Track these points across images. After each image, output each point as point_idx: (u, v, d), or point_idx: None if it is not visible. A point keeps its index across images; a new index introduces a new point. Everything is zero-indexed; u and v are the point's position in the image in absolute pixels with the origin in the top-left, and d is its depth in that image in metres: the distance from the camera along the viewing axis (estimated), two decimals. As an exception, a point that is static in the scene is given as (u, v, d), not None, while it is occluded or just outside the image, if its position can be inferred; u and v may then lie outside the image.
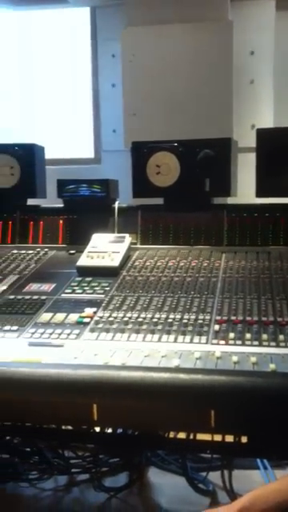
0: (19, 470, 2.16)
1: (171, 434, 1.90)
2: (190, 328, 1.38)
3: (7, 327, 1.42)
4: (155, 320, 1.44)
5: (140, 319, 1.44)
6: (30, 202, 2.19)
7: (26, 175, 2.10)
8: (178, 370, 1.18)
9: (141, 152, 2.02)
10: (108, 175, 2.14)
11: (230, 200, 2.13)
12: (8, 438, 2.22)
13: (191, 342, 1.32)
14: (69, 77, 3.51)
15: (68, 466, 2.14)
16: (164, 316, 1.46)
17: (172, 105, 3.04)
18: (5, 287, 1.69)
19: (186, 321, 1.42)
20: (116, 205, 2.07)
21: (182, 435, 1.87)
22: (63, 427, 1.99)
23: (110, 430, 1.94)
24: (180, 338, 1.34)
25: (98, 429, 1.90)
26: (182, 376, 1.14)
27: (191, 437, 1.81)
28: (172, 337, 1.35)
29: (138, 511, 2.00)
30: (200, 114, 3.00)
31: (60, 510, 2.01)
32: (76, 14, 3.45)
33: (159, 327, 1.40)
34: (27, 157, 2.10)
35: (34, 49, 3.54)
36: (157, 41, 3.05)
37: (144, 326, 1.40)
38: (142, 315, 1.47)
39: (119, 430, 1.95)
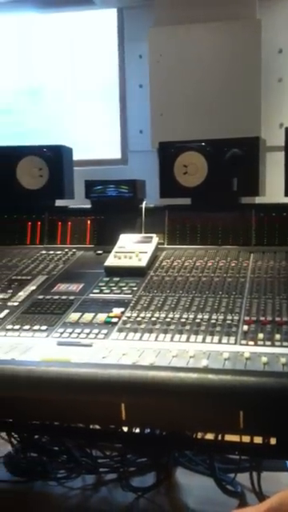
0: (48, 469, 2.18)
1: (199, 435, 1.89)
2: (218, 328, 1.38)
3: (36, 327, 1.44)
4: (183, 320, 1.43)
5: (168, 319, 1.44)
6: (58, 202, 2.21)
7: (54, 176, 2.12)
8: (206, 370, 1.17)
9: (168, 152, 2.02)
10: (135, 176, 2.14)
11: (258, 199, 2.11)
12: (36, 436, 2.24)
13: (219, 342, 1.31)
14: (96, 78, 3.52)
15: (96, 466, 2.16)
16: (192, 316, 1.45)
17: (199, 104, 3.03)
18: (34, 287, 1.71)
19: (214, 321, 1.42)
20: (143, 205, 2.07)
21: (210, 436, 1.86)
22: (91, 426, 2.01)
23: (137, 430, 1.95)
24: (208, 338, 1.33)
25: (125, 428, 1.91)
26: (211, 376, 1.13)
27: (219, 438, 1.80)
28: (200, 337, 1.34)
29: (165, 511, 2.00)
30: (228, 114, 2.98)
31: (88, 509, 2.02)
32: (103, 15, 3.47)
33: (187, 327, 1.39)
34: (55, 158, 2.12)
35: (62, 51, 3.57)
36: (184, 40, 3.04)
37: (172, 326, 1.40)
38: (170, 315, 1.46)
39: (147, 430, 1.96)
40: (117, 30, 3.43)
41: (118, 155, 3.52)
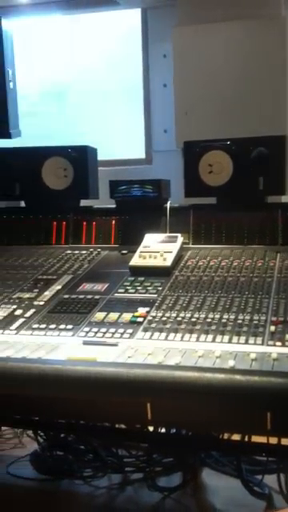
0: (74, 468, 2.19)
1: (225, 436, 1.88)
2: (244, 329, 1.36)
3: (62, 326, 1.44)
4: (209, 320, 1.42)
5: (193, 319, 1.43)
6: (83, 202, 2.22)
7: (79, 177, 2.12)
8: (233, 371, 1.16)
9: (193, 151, 2.01)
10: (159, 176, 2.14)
11: (285, 198, 2.08)
12: (63, 435, 2.26)
13: (246, 342, 1.30)
14: (120, 78, 3.53)
15: (122, 465, 2.16)
16: (218, 316, 1.44)
17: (224, 103, 3.01)
18: (59, 287, 1.72)
19: (240, 321, 1.40)
20: (168, 205, 2.07)
21: (236, 437, 1.85)
22: (117, 426, 2.01)
23: (163, 430, 1.95)
24: (235, 338, 1.32)
25: (151, 428, 1.91)
26: (238, 377, 1.12)
27: (246, 439, 1.79)
28: (226, 337, 1.33)
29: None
30: (253, 112, 2.96)
31: (114, 508, 2.03)
32: (127, 15, 3.47)
33: (213, 327, 1.38)
34: (80, 158, 2.13)
35: (86, 52, 3.59)
36: (208, 39, 3.02)
37: (198, 326, 1.39)
38: (196, 315, 1.46)
39: (173, 430, 1.95)
40: (141, 30, 3.43)
41: (142, 155, 3.52)
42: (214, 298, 1.55)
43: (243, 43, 3.01)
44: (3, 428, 2.58)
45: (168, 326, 1.41)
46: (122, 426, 2.06)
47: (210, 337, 1.34)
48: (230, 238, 1.97)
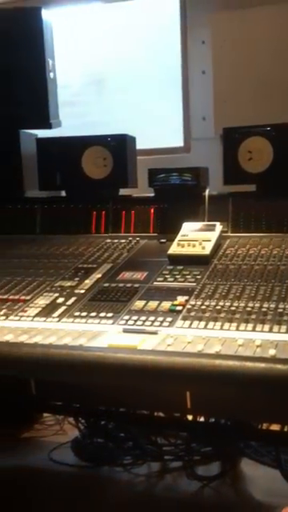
0: (114, 455, 2.22)
1: (265, 426, 1.87)
2: (285, 318, 1.34)
3: (102, 314, 1.46)
4: (249, 309, 1.41)
5: (233, 308, 1.42)
6: (122, 191, 2.22)
7: (118, 166, 2.13)
8: (274, 360, 1.14)
9: (232, 138, 1.98)
10: (197, 163, 2.12)
11: None
12: (103, 422, 2.29)
13: (287, 332, 1.28)
14: (158, 66, 3.51)
15: (161, 453, 2.18)
16: (258, 305, 1.42)
17: (264, 90, 2.95)
18: (99, 275, 1.73)
19: (281, 310, 1.38)
20: (206, 193, 2.05)
21: (276, 427, 1.83)
22: (156, 414, 2.03)
23: (202, 419, 1.95)
24: (275, 327, 1.30)
25: (190, 417, 1.91)
26: (280, 366, 1.11)
27: (286, 429, 1.77)
28: (267, 326, 1.31)
29: (230, 502, 1.99)
30: (293, 98, 2.90)
31: (154, 496, 2.05)
32: (165, 1, 3.44)
33: (253, 316, 1.37)
34: (120, 147, 2.13)
35: (125, 39, 3.57)
36: (248, 24, 2.96)
37: (237, 315, 1.38)
38: (235, 304, 1.44)
39: (212, 419, 1.95)
40: (179, 17, 3.39)
41: (180, 143, 3.49)
42: (254, 287, 1.53)
43: (283, 27, 2.94)
44: (45, 415, 2.64)
45: (207, 314, 1.40)
46: (161, 415, 2.08)
47: (250, 326, 1.32)
48: (269, 226, 1.94)
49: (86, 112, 3.67)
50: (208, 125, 3.19)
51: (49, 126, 2.27)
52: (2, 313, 1.52)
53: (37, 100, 2.23)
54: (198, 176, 2.03)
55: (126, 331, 1.36)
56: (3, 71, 2.23)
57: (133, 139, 2.23)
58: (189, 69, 3.39)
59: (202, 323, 1.36)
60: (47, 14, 2.22)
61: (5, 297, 1.62)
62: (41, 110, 2.23)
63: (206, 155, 2.70)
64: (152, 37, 3.52)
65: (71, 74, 3.59)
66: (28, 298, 1.61)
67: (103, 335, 1.34)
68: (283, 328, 1.30)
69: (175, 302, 1.48)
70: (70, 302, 1.55)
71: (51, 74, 2.26)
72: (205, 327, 1.34)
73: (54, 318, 1.47)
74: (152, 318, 1.41)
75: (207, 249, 1.78)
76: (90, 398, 1.88)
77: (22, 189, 2.30)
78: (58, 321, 1.45)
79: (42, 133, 2.34)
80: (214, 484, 2.05)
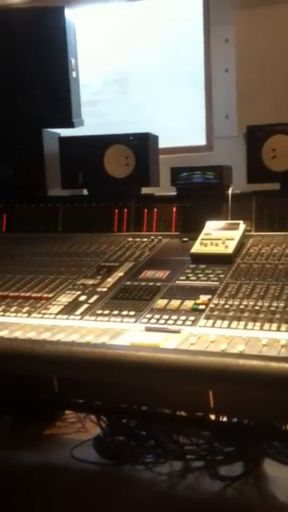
0: (135, 453, 2.22)
1: (288, 427, 1.85)
2: (310, 317, 1.32)
3: (125, 312, 1.45)
4: (273, 309, 1.39)
5: (257, 307, 1.41)
6: (144, 190, 2.22)
7: (140, 164, 2.13)
8: (299, 360, 1.13)
9: (256, 136, 1.97)
10: (220, 162, 2.11)
11: None
12: (125, 420, 2.29)
13: (312, 331, 1.27)
14: (181, 64, 3.50)
15: (183, 452, 2.17)
16: (282, 305, 1.41)
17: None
18: (121, 274, 1.73)
19: (306, 310, 1.37)
20: (229, 191, 2.04)
21: (300, 428, 1.81)
22: (178, 413, 2.02)
23: (225, 419, 1.94)
24: (300, 327, 1.29)
25: (213, 416, 1.90)
26: (304, 367, 1.09)
27: (310, 430, 1.75)
28: (292, 326, 1.30)
29: (253, 502, 1.97)
30: None
31: (175, 496, 2.04)
32: None
33: (277, 316, 1.35)
34: (142, 146, 2.13)
35: (148, 37, 3.57)
36: (272, 22, 2.94)
37: (261, 315, 1.37)
38: (259, 303, 1.43)
39: (234, 419, 1.94)
40: (202, 14, 3.37)
41: (203, 142, 3.48)
42: (278, 287, 1.52)
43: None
44: (67, 412, 2.65)
45: (231, 313, 1.39)
46: (183, 414, 2.07)
47: (275, 325, 1.31)
48: (294, 225, 1.92)
49: (107, 111, 3.68)
50: (231, 123, 3.17)
51: (71, 125, 2.27)
52: (24, 310, 1.53)
53: (59, 99, 2.24)
54: (221, 174, 2.02)
55: (148, 330, 1.35)
56: (26, 71, 2.25)
57: (155, 138, 2.23)
58: (212, 67, 3.38)
59: (226, 322, 1.35)
60: (70, 14, 2.22)
61: (27, 294, 1.63)
62: (63, 109, 2.24)
63: (228, 154, 2.69)
64: (175, 35, 3.52)
65: (93, 73, 3.60)
66: (50, 295, 1.61)
67: (125, 333, 1.34)
68: (308, 328, 1.28)
69: (198, 301, 1.47)
70: (92, 300, 1.56)
71: (74, 74, 2.27)
72: (228, 326, 1.33)
73: (76, 315, 1.48)
74: (174, 317, 1.40)
75: (230, 248, 1.76)
76: (111, 396, 1.88)
77: (44, 187, 2.32)
78: (81, 319, 1.46)
79: (64, 132, 2.35)
80: (237, 484, 2.03)
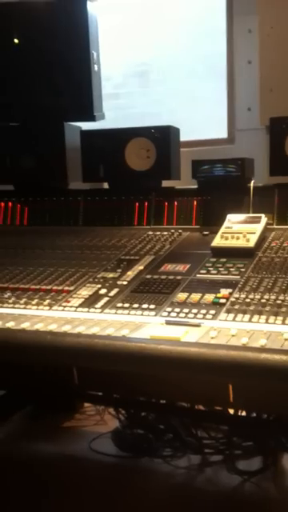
0: (153, 446, 2.23)
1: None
2: None
3: (145, 305, 1.45)
4: (295, 303, 1.38)
5: (278, 301, 1.39)
6: (165, 183, 2.21)
7: (161, 157, 2.12)
8: None
9: (279, 128, 1.94)
10: (242, 155, 2.09)
11: None
12: (143, 413, 2.29)
13: None
14: (203, 55, 3.47)
15: (201, 446, 2.17)
16: (304, 299, 1.39)
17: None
18: (141, 267, 1.73)
19: None
20: (251, 184, 2.02)
21: None
22: (196, 407, 2.02)
23: (243, 413, 1.93)
24: None
25: (231, 411, 1.89)
26: None
27: None
28: (314, 321, 1.28)
29: (271, 497, 1.97)
30: None
31: (193, 489, 2.04)
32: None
33: (299, 310, 1.34)
34: (163, 139, 2.11)
35: (169, 29, 3.55)
36: (296, 12, 2.89)
37: (283, 309, 1.35)
38: (281, 297, 1.41)
39: (253, 414, 1.93)
40: (225, 4, 3.34)
41: (224, 134, 3.45)
42: (300, 281, 1.50)
43: None
44: (86, 404, 2.67)
45: (252, 307, 1.38)
46: (202, 408, 2.07)
47: (297, 320, 1.30)
48: None
49: (129, 104, 3.67)
50: (253, 115, 3.14)
51: (92, 119, 2.27)
52: (45, 303, 1.54)
53: (81, 93, 2.24)
54: (242, 167, 2.00)
55: (168, 323, 1.35)
56: (48, 64, 2.25)
57: (177, 131, 2.21)
58: (234, 58, 3.34)
59: (247, 316, 1.34)
60: (92, 7, 2.22)
61: (49, 287, 1.64)
62: (85, 102, 2.24)
63: (250, 146, 2.66)
64: (197, 26, 3.49)
65: (114, 65, 3.59)
66: (71, 288, 1.62)
67: (146, 326, 1.34)
68: None
69: (218, 295, 1.47)
70: (112, 293, 1.56)
71: (95, 67, 2.27)
72: (249, 320, 1.32)
73: (96, 308, 1.48)
74: (195, 311, 1.39)
75: (252, 241, 1.75)
76: (130, 389, 1.89)
77: (65, 181, 2.32)
78: (101, 312, 1.46)
79: (85, 125, 2.35)
80: (255, 479, 2.03)
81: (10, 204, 2.32)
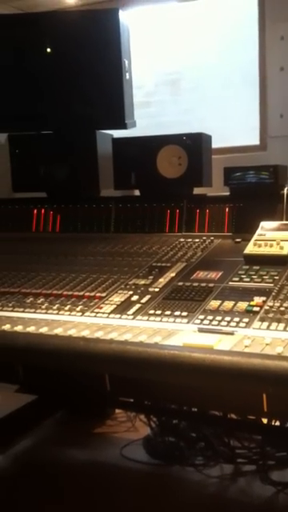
0: (185, 454, 2.21)
1: None
2: None
3: (177, 312, 1.45)
4: None
5: (313, 310, 1.37)
6: (196, 190, 2.21)
7: (193, 164, 2.12)
8: None
9: (312, 134, 1.92)
10: (274, 162, 2.07)
11: None
12: (175, 421, 2.28)
13: None
14: (234, 63, 3.46)
15: (234, 455, 2.14)
16: None
17: None
18: (173, 274, 1.72)
19: None
20: (285, 191, 1.99)
21: None
22: (229, 416, 2.00)
23: (277, 423, 1.90)
24: None
25: (265, 420, 1.87)
26: None
27: None
28: None
29: (306, 510, 1.93)
30: None
31: (226, 499, 2.02)
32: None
33: None
34: (195, 146, 2.12)
35: (201, 37, 3.55)
36: None
37: None
38: (316, 306, 1.39)
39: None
40: (258, 11, 3.32)
41: (256, 141, 3.43)
42: None
43: None
44: (117, 411, 2.67)
45: (286, 316, 1.36)
46: (234, 416, 2.04)
47: None
48: None
49: (160, 112, 3.69)
50: (285, 122, 3.11)
51: (124, 127, 2.29)
52: (78, 309, 1.55)
53: (113, 101, 2.26)
54: (276, 174, 1.98)
55: (201, 331, 1.34)
56: (81, 72, 2.28)
57: (208, 138, 2.21)
58: (266, 65, 3.32)
59: (281, 325, 1.32)
60: (124, 16, 2.24)
61: (81, 293, 1.65)
62: (116, 110, 2.26)
63: (283, 153, 2.64)
64: (228, 34, 3.48)
65: (145, 74, 3.61)
66: (103, 295, 1.63)
67: (178, 334, 1.33)
68: None
69: (252, 303, 1.45)
70: (144, 300, 1.56)
71: (127, 75, 2.29)
72: (284, 329, 1.30)
73: (128, 315, 1.48)
74: (228, 318, 1.38)
75: (286, 249, 1.73)
76: (161, 396, 1.88)
77: (97, 188, 2.34)
78: (133, 318, 1.46)
79: (117, 133, 2.37)
80: (289, 491, 1.99)
81: (43, 211, 2.35)
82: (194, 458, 2.20)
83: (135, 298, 1.58)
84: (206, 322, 1.39)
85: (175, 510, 1.94)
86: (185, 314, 1.44)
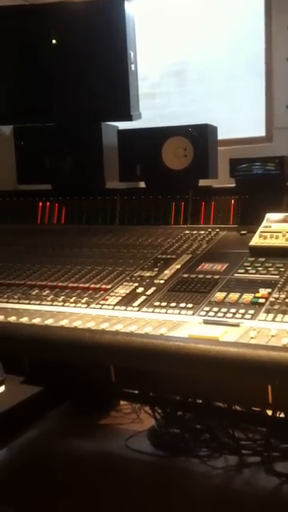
0: (190, 446, 2.22)
1: None
2: None
3: (182, 304, 1.45)
4: None
5: None
6: (202, 182, 2.20)
7: (198, 156, 2.11)
8: None
9: None
10: (280, 153, 2.05)
11: None
12: (180, 413, 2.29)
13: None
14: (240, 53, 3.43)
15: (238, 447, 2.15)
16: None
17: None
18: (178, 266, 1.72)
19: None
20: (291, 183, 1.99)
21: None
22: (233, 407, 2.00)
23: (282, 415, 1.91)
24: None
25: (270, 412, 1.87)
26: None
27: None
28: None
29: (310, 501, 1.94)
30: None
31: (230, 490, 2.03)
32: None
33: None
34: (201, 138, 2.10)
35: (206, 27, 3.52)
36: None
37: None
38: None
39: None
40: (264, 2, 3.29)
41: (262, 133, 3.41)
42: None
43: None
44: (122, 402, 2.68)
45: (292, 308, 1.36)
46: (239, 408, 2.05)
47: None
48: None
49: (165, 103, 3.67)
50: (292, 113, 3.09)
51: (130, 118, 2.28)
52: (83, 301, 1.55)
53: (118, 92, 2.25)
54: (282, 165, 1.97)
55: (206, 322, 1.34)
56: (86, 64, 2.27)
57: (214, 129, 2.20)
58: (272, 56, 3.30)
59: (287, 317, 1.32)
60: (129, 6, 2.22)
61: (86, 285, 1.65)
62: (122, 102, 2.25)
63: (288, 144, 2.62)
64: (234, 24, 3.45)
65: (151, 65, 3.59)
66: (108, 286, 1.63)
67: (183, 326, 1.33)
68: None
69: (257, 295, 1.45)
70: (149, 292, 1.56)
71: (132, 66, 2.27)
72: (289, 321, 1.30)
73: (134, 307, 1.48)
74: (233, 310, 1.38)
75: (291, 241, 1.72)
76: (166, 388, 1.89)
77: (102, 180, 2.34)
78: (138, 310, 1.46)
79: (122, 124, 2.36)
80: (294, 482, 2.00)
81: (48, 203, 2.35)
82: (198, 449, 2.21)
83: (140, 289, 1.58)
84: (211, 313, 1.38)
85: (180, 502, 1.95)
86: (190, 305, 1.44)
